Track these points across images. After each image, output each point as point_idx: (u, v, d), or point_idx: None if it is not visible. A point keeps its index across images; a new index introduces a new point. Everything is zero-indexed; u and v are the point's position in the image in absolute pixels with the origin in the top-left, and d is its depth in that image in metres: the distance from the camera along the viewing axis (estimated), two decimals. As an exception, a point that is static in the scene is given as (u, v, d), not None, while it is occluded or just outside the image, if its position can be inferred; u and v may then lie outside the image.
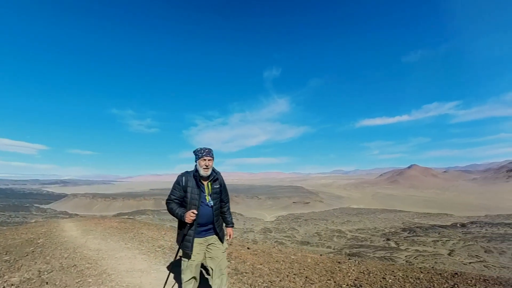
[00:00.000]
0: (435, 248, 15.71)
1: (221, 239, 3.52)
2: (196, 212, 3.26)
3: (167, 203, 3.38)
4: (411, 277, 5.48)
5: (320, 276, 5.36)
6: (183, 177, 3.42)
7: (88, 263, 5.57)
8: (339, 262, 6.43)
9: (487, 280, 5.84)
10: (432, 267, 9.48)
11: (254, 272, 5.36)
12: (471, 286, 5.15)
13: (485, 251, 15.30)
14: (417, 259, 12.52)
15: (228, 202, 3.75)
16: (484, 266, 12.45)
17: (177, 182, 3.42)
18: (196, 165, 3.43)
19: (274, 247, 8.28)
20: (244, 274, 5.23)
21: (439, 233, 20.05)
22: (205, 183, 3.44)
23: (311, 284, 4.93)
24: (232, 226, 3.79)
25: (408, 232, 19.58)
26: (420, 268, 7.48)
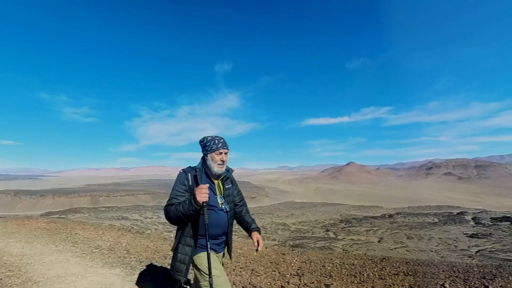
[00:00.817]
0: (367, 236, 17.52)
1: (230, 255, 2.72)
2: (207, 185, 2.30)
3: (167, 210, 2.37)
4: (347, 264, 5.97)
5: (266, 268, 5.54)
6: (189, 175, 2.47)
7: (9, 270, 4.89)
8: (283, 254, 6.71)
9: (408, 262, 6.66)
10: (365, 254, 10.48)
11: (200, 268, 5.31)
12: (396, 268, 5.81)
13: (407, 238, 17.50)
14: (352, 247, 13.81)
15: (245, 204, 2.88)
16: (406, 250, 14.23)
17: (181, 182, 2.44)
18: (206, 160, 2.52)
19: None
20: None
21: (370, 223, 22.35)
22: (215, 182, 2.57)
23: (257, 276, 5.06)
24: (259, 231, 2.69)
25: (345, 223, 21.45)
26: (354, 255, 8.20)
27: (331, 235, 20.43)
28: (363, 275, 5.10)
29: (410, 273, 5.37)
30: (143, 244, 7.11)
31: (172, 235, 10.59)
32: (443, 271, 5.63)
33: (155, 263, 5.51)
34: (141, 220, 42.32)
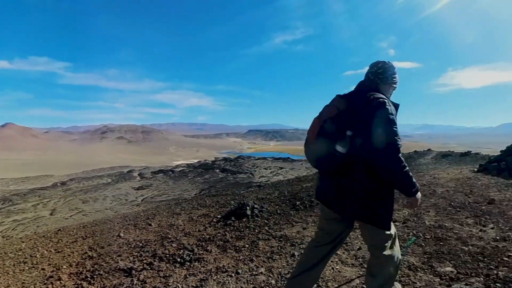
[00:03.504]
0: (36, 212, 15.14)
1: None
2: None
3: (401, 156, 1.55)
4: (11, 252, 4.94)
5: None
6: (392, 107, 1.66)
7: None
8: None
9: (86, 225, 6.77)
10: (35, 232, 9.12)
11: None
12: (73, 235, 5.71)
13: (83, 202, 17.38)
14: (17, 229, 11.31)
15: None
16: (83, 215, 14.13)
17: (395, 116, 1.63)
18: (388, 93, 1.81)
19: None
20: None
21: (39, 196, 19.46)
22: None
23: None
24: None
25: (2, 203, 16.88)
26: (21, 238, 6.90)
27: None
28: (35, 256, 4.50)
29: (88, 235, 5.52)
30: None
31: None
32: (117, 223, 6.37)
33: None
34: None
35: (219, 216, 5.42)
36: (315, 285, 2.13)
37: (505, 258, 2.57)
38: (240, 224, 4.64)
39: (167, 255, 3.68)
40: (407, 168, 1.61)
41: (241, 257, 3.35)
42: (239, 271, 2.97)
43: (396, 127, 1.59)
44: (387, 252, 1.79)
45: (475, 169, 7.10)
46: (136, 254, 3.95)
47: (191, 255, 3.53)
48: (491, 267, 2.47)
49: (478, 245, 2.89)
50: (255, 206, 5.26)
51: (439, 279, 2.38)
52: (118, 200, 18.45)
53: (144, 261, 3.62)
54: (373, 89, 1.76)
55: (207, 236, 4.28)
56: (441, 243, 3.03)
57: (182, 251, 3.75)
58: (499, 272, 2.36)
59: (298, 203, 5.32)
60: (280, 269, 2.92)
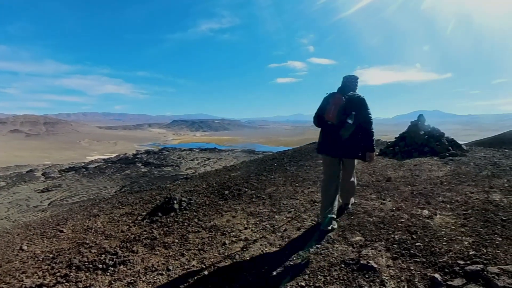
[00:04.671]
0: None
1: None
2: None
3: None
4: None
5: None
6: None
7: None
8: None
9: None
10: None
11: None
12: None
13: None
14: None
15: None
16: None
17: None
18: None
19: None
20: None
21: None
22: None
23: None
24: None
25: None
26: None
27: None
28: None
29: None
30: None
31: None
32: (18, 234, 5.42)
33: None
34: None
35: (144, 213, 5.11)
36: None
37: (399, 224, 3.16)
38: (168, 219, 4.48)
39: (86, 263, 3.32)
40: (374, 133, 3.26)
41: (171, 253, 3.27)
42: (170, 267, 2.90)
43: (369, 110, 3.18)
44: (354, 177, 3.54)
45: (376, 153, 8.34)
46: (46, 267, 3.45)
47: (114, 259, 3.26)
48: (390, 232, 3.00)
49: (380, 216, 3.45)
50: (183, 199, 5.14)
51: (351, 248, 2.79)
52: (17, 206, 15.58)
53: (58, 274, 3.19)
54: (353, 90, 3.26)
55: (132, 236, 4.02)
56: (352, 217, 3.52)
57: (103, 256, 3.43)
58: (395, 236, 2.89)
59: (226, 192, 5.41)
60: (212, 259, 2.96)
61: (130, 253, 3.43)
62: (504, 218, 3.00)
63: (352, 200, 3.85)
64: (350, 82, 3.30)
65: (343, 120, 3.02)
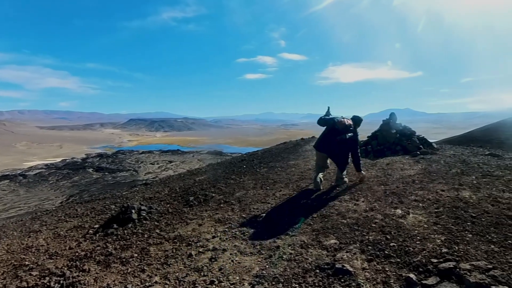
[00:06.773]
0: None
1: None
2: None
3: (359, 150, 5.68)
4: None
5: None
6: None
7: None
8: None
9: None
10: None
11: None
12: None
13: None
14: None
15: None
16: None
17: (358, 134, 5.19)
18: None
19: None
20: None
21: None
22: None
23: None
24: None
25: None
26: None
27: None
28: None
29: None
30: None
31: None
32: None
33: None
34: None
35: (96, 226, 4.85)
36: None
37: (373, 225, 3.30)
38: (125, 231, 4.30)
39: (25, 288, 3.07)
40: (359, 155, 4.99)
41: (129, 269, 3.13)
42: (129, 286, 2.78)
43: (358, 139, 5.09)
44: (344, 174, 5.16)
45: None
46: (-27, 296, 3.13)
47: (61, 281, 3.05)
48: (364, 233, 3.13)
49: (353, 217, 3.59)
50: (142, 207, 4.96)
51: (326, 252, 2.87)
52: None
53: (-11, 304, 2.92)
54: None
55: (83, 253, 3.79)
56: (325, 220, 3.63)
57: (48, 278, 3.20)
58: (370, 237, 3.02)
59: (191, 198, 5.31)
60: (177, 273, 2.88)
61: (81, 272, 3.23)
62: (473, 215, 3.26)
63: (345, 173, 5.22)
64: (354, 121, 5.08)
65: (348, 128, 4.81)
